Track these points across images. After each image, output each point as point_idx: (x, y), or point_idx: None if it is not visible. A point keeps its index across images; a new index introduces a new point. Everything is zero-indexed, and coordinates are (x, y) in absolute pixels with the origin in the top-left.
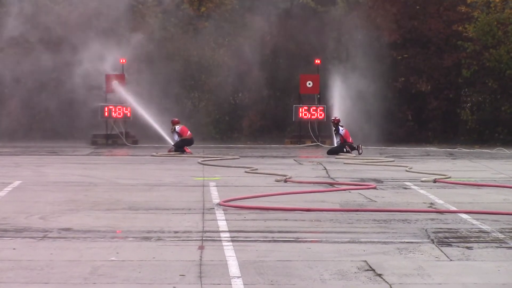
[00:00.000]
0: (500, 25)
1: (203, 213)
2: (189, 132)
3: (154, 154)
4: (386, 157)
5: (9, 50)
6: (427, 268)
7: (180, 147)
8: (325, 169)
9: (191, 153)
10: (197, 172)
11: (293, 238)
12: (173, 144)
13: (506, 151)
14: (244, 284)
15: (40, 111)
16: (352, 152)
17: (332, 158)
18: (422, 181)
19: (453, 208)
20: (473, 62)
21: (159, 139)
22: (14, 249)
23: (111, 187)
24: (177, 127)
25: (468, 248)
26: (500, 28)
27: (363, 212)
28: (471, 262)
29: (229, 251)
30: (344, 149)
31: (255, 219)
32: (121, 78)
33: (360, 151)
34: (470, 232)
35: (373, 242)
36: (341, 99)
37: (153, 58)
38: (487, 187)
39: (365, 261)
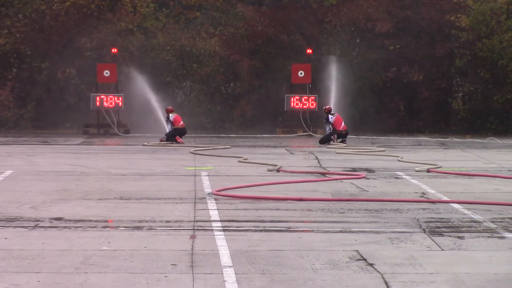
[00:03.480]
0: (493, 15)
1: (194, 202)
2: (182, 121)
3: (145, 143)
4: (378, 146)
5: (1, 40)
6: (418, 257)
7: (172, 136)
8: (317, 158)
9: (183, 143)
10: (188, 162)
11: (285, 227)
12: (165, 133)
13: (498, 140)
14: (236, 274)
15: (31, 101)
16: (338, 140)
17: (324, 148)
18: (416, 171)
19: (445, 198)
20: (466, 52)
21: (151, 128)
22: (5, 238)
23: (102, 177)
24: (171, 116)
25: (459, 237)
26: (493, 18)
27: (354, 202)
28: (463, 252)
29: (220, 241)
30: (331, 137)
31: (246, 208)
32: (112, 67)
33: (335, 141)
34: (462, 221)
35: (365, 231)
36: (333, 89)
37: (145, 48)
38: (478, 176)
39: (357, 250)
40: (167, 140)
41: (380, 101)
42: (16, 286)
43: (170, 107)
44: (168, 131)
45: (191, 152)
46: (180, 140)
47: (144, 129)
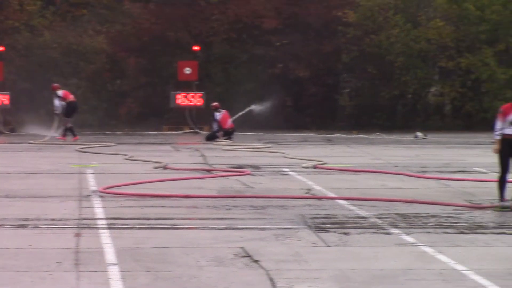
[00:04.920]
0: (381, 11)
1: (80, 200)
2: (71, 95)
3: (31, 141)
4: (264, 143)
5: None
6: (304, 254)
7: (69, 113)
8: (203, 155)
9: (78, 138)
10: (74, 159)
11: (170, 224)
12: (58, 112)
13: (384, 136)
14: (121, 272)
15: None
16: (224, 137)
17: (210, 145)
18: (303, 167)
19: (331, 194)
20: (353, 48)
21: (38, 126)
22: None
23: None
24: (59, 92)
25: (345, 234)
26: (381, 14)
27: (240, 199)
28: (349, 248)
29: (105, 238)
30: (217, 134)
31: (132, 206)
32: None
33: (220, 138)
34: (348, 218)
35: (250, 228)
36: (219, 86)
37: (31, 46)
38: (364, 172)
39: (242, 247)
40: (65, 116)
41: (266, 97)
42: None
43: (55, 85)
44: (58, 108)
45: (77, 150)
46: (76, 137)
47: (30, 127)
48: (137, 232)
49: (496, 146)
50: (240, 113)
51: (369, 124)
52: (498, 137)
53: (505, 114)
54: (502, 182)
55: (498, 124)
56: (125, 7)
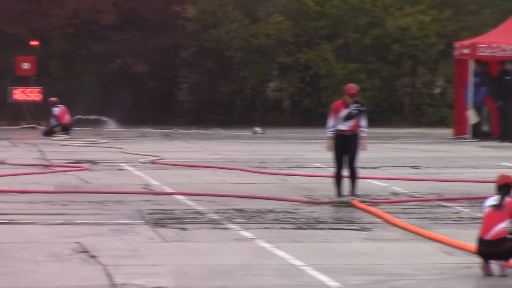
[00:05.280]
0: (221, 5)
1: None
2: None
3: None
4: (102, 138)
5: None
6: (141, 249)
7: None
8: (41, 150)
9: None
10: None
11: (7, 220)
12: None
13: (222, 131)
14: None
15: None
16: (62, 132)
17: (48, 140)
18: (140, 162)
19: (169, 190)
20: (192, 43)
21: None
22: None
23: None
24: None
25: (183, 229)
26: (220, 8)
27: (77, 194)
28: (186, 243)
29: None
30: (55, 129)
31: None
32: None
33: (58, 133)
34: (185, 213)
35: (88, 224)
36: (58, 81)
37: None
38: (203, 168)
39: (79, 243)
40: None
41: (105, 92)
42: None
43: None
44: None
45: None
46: None
47: None
48: None
49: (328, 143)
50: (87, 117)
51: (208, 119)
52: (331, 135)
53: (336, 111)
54: (338, 178)
55: (331, 121)
56: None
